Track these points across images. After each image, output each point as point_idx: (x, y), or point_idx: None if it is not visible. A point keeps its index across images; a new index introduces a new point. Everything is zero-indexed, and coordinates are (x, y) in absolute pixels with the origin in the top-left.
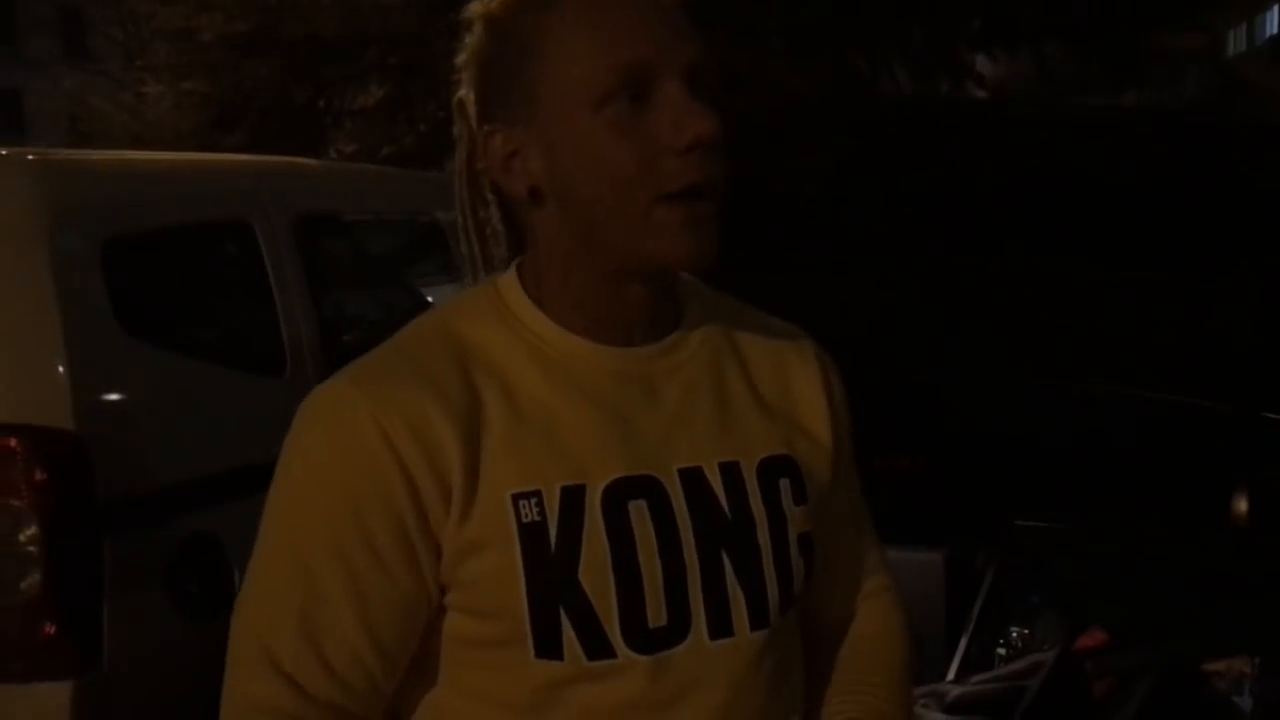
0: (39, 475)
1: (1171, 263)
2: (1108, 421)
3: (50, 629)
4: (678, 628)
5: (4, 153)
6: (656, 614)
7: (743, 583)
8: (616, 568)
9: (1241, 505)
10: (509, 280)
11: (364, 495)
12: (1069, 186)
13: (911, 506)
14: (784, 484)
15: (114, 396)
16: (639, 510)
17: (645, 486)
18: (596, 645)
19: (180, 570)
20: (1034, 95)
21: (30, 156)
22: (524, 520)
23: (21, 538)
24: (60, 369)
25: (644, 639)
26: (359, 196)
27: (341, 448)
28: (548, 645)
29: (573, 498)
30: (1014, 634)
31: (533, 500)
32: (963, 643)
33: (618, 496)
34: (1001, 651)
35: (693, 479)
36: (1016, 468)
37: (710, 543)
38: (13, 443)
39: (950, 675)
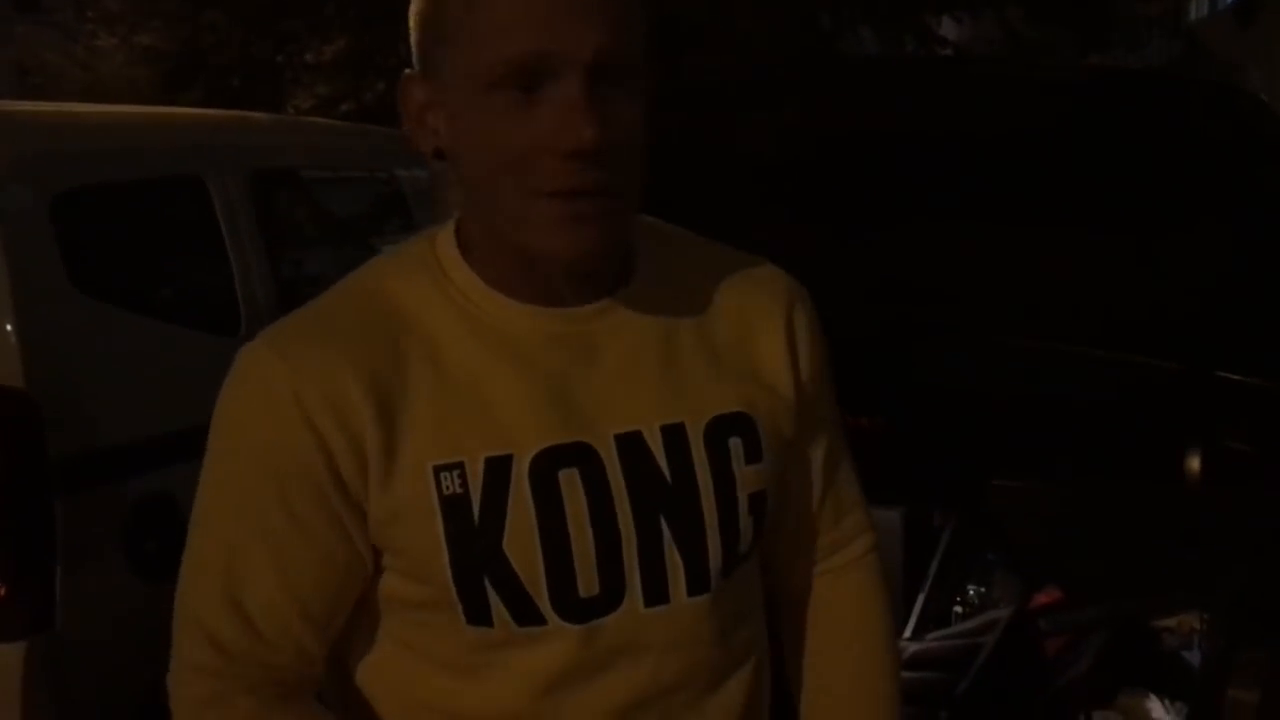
0: None
1: (1130, 221)
2: (1063, 380)
3: (1, 590)
4: (611, 596)
5: None
6: (588, 584)
7: (682, 550)
8: (544, 539)
9: (1194, 464)
10: (445, 237)
11: (282, 463)
12: (1024, 145)
13: (869, 466)
14: (734, 443)
15: (65, 354)
16: (570, 479)
17: (578, 454)
18: (525, 613)
19: (134, 530)
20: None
21: None
22: (445, 493)
23: None
24: (8, 326)
25: (574, 608)
26: (316, 152)
27: (259, 415)
28: (476, 613)
29: (498, 469)
30: (971, 592)
31: (454, 472)
32: (920, 600)
33: (547, 466)
34: (958, 609)
35: (630, 444)
36: (975, 426)
37: (648, 510)
38: None
39: (907, 633)
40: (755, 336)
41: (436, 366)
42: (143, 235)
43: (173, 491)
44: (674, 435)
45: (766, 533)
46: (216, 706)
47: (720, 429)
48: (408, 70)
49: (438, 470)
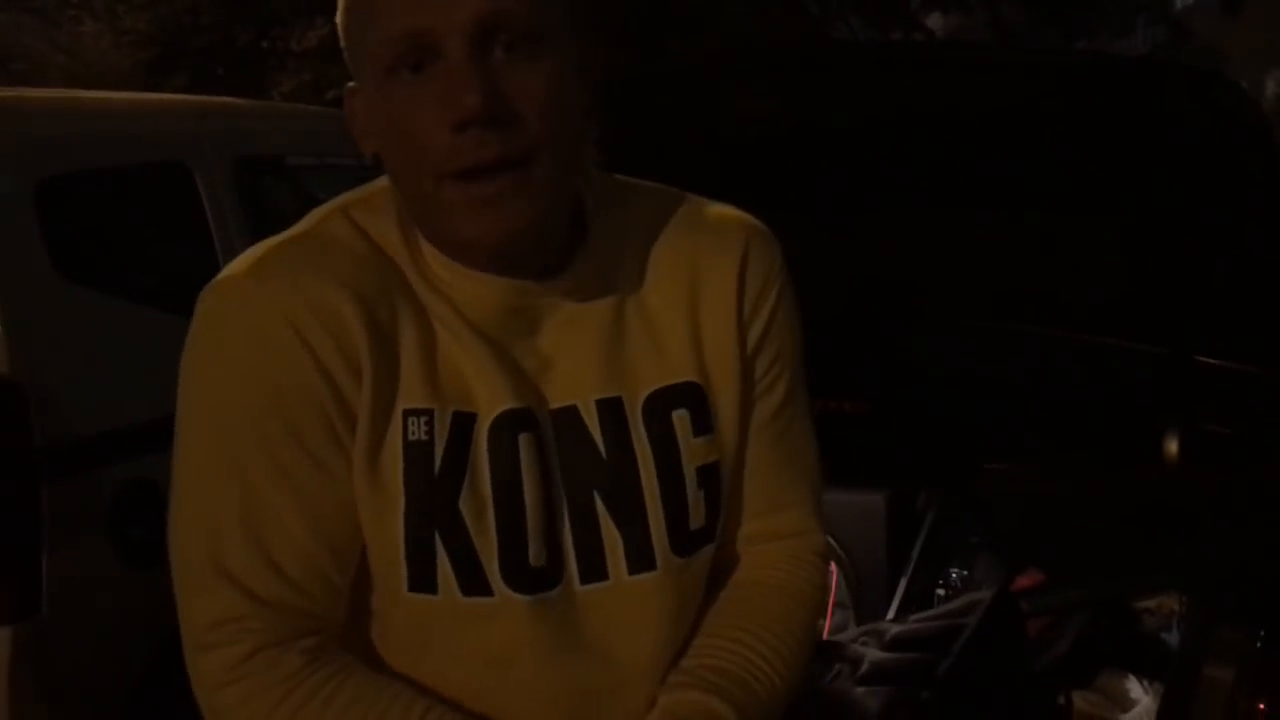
0: None
1: (1110, 206)
2: (1044, 364)
3: None
4: (553, 569)
5: None
6: (538, 553)
7: (620, 525)
8: (498, 502)
9: (1173, 446)
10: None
11: (283, 390)
12: (1006, 130)
13: (854, 449)
14: (679, 415)
15: (50, 341)
16: (529, 443)
17: (530, 421)
18: (472, 581)
19: (120, 516)
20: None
21: None
22: (410, 437)
23: None
24: None
25: (523, 578)
26: (302, 139)
27: (249, 345)
28: (422, 577)
29: (463, 424)
30: (953, 574)
31: (423, 419)
32: (903, 583)
33: (506, 428)
34: (941, 592)
35: (565, 419)
36: (956, 410)
37: (581, 486)
38: None
39: (890, 615)
40: (702, 286)
41: (415, 312)
42: (127, 222)
43: (157, 478)
44: (611, 410)
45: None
46: (264, 662)
47: (663, 402)
48: (350, 84)
49: (408, 414)
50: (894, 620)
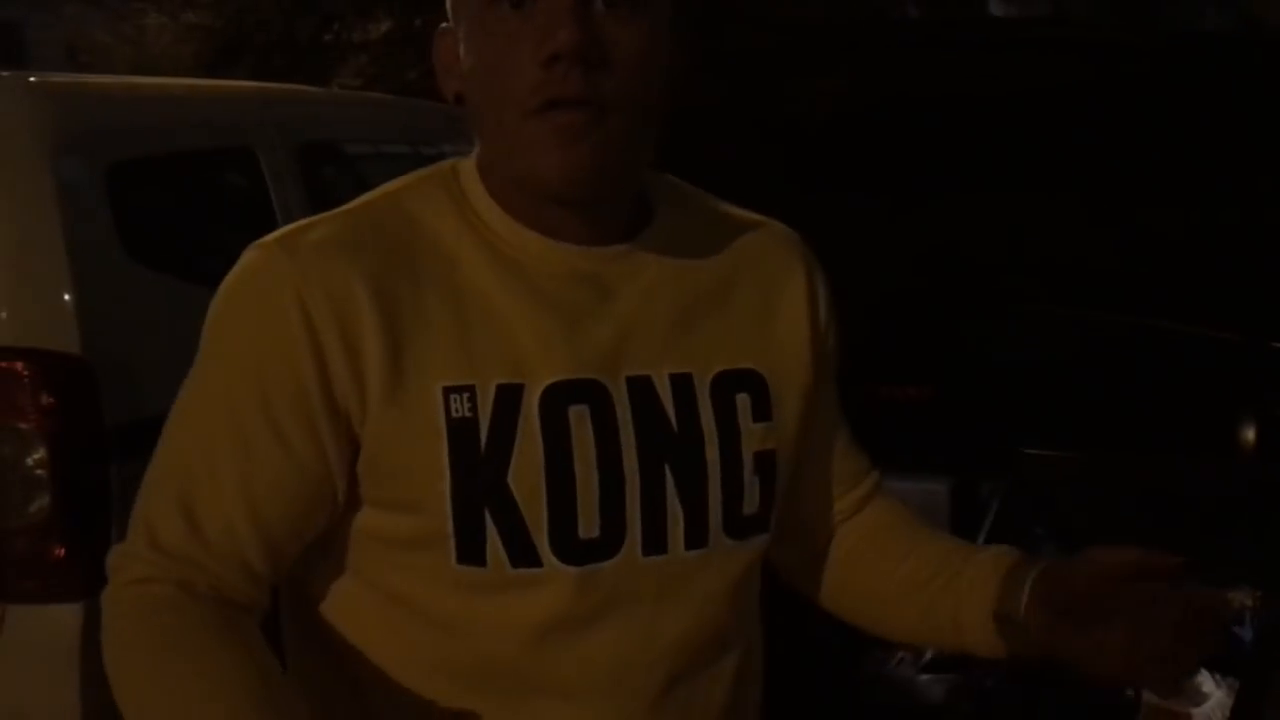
0: (46, 399)
1: (1184, 190)
2: (1115, 351)
3: (59, 551)
4: (610, 540)
5: (5, 75)
6: (589, 524)
7: (683, 499)
8: (550, 473)
9: (1249, 435)
10: (468, 166)
11: (269, 363)
12: (1081, 111)
13: (917, 436)
14: (741, 399)
15: (119, 322)
16: (580, 415)
17: (589, 391)
18: (522, 552)
19: None
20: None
21: (33, 80)
22: (454, 415)
23: (30, 461)
24: (66, 294)
25: (573, 550)
26: (365, 126)
27: (257, 312)
28: (470, 549)
29: (509, 397)
30: None
31: (465, 395)
32: None
33: (558, 399)
34: None
35: (640, 387)
36: (1023, 397)
37: (653, 455)
38: (19, 366)
39: None
40: (775, 293)
41: (454, 289)
42: (195, 206)
43: None
44: (682, 385)
45: (784, 500)
46: (139, 586)
47: (727, 384)
48: (443, 24)
49: (448, 391)
50: None
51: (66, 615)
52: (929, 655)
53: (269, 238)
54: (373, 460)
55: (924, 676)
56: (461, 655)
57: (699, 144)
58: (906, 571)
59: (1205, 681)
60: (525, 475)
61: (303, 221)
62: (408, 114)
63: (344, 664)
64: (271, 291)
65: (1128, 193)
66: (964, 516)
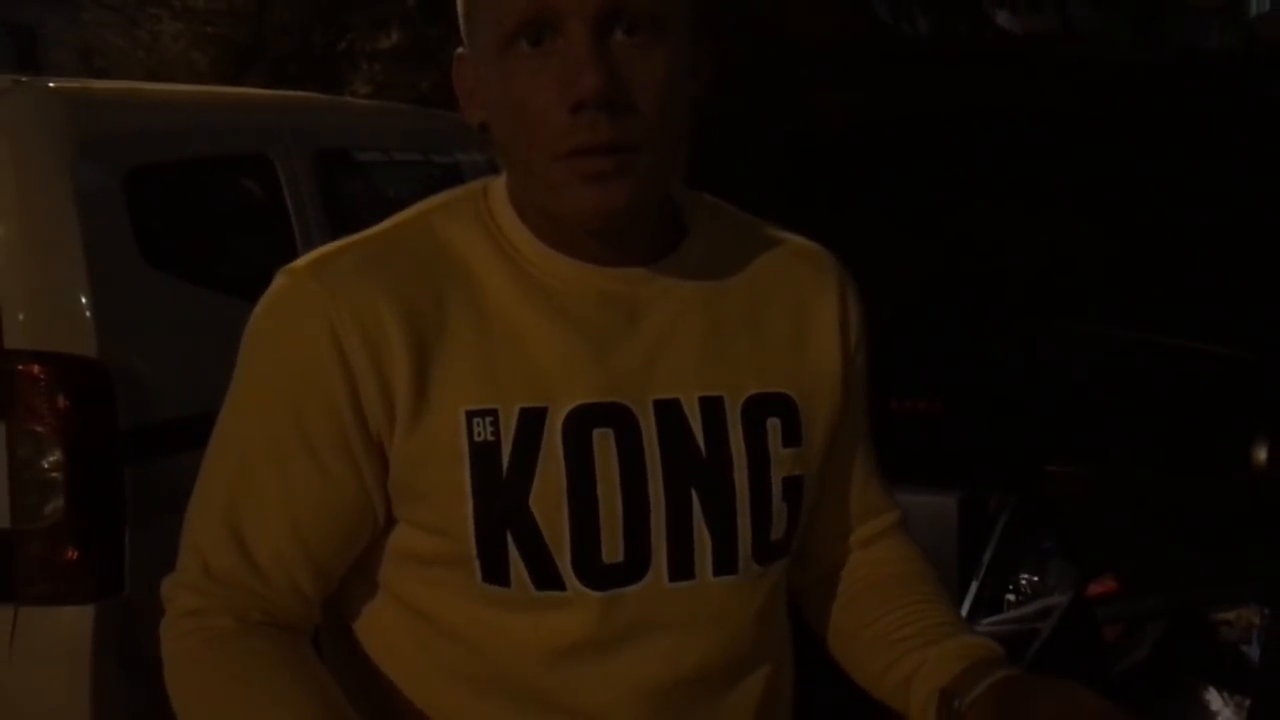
0: (62, 402)
1: (1199, 208)
2: (1126, 367)
3: (73, 553)
4: (635, 565)
5: (24, 80)
6: (613, 549)
7: (711, 525)
8: (572, 497)
9: (1261, 453)
10: (497, 187)
11: (305, 391)
12: (1097, 129)
13: (926, 449)
14: (772, 424)
15: (136, 326)
16: (604, 439)
17: (614, 415)
18: (544, 575)
19: None
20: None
21: (51, 85)
22: (476, 439)
23: (45, 463)
24: (83, 298)
25: (596, 575)
26: (380, 134)
27: (291, 340)
28: (495, 570)
29: (531, 420)
30: (1024, 580)
31: (488, 419)
32: (974, 587)
33: (582, 423)
34: (1011, 597)
35: (668, 411)
36: (1033, 412)
37: (679, 480)
38: (36, 369)
39: None
40: (808, 314)
41: (479, 311)
42: (211, 212)
43: None
44: (712, 408)
45: (804, 523)
46: (198, 618)
47: (759, 408)
48: (460, 49)
49: (471, 415)
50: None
51: (79, 617)
52: None
53: (299, 263)
54: (400, 481)
55: None
56: (486, 671)
57: (712, 158)
58: (888, 625)
59: (1213, 699)
60: (547, 499)
61: (331, 246)
62: (421, 122)
63: (374, 675)
64: (303, 318)
65: (1140, 208)
66: (972, 531)
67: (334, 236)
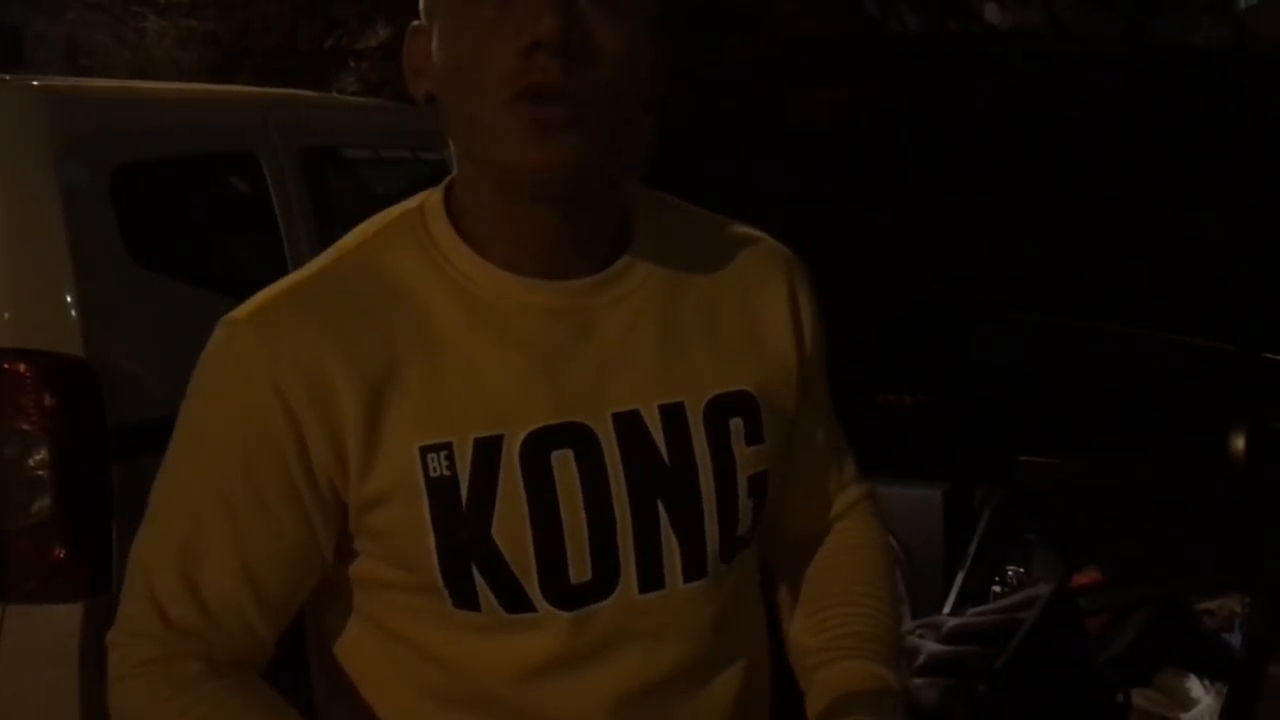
0: (49, 400)
1: (1178, 201)
2: (1107, 359)
3: (60, 552)
4: (604, 582)
5: (9, 79)
6: (580, 569)
7: (679, 533)
8: (535, 523)
9: (1239, 444)
10: (434, 203)
11: (252, 444)
12: (1073, 123)
13: (911, 443)
14: (735, 424)
15: (122, 324)
16: (564, 460)
17: (572, 434)
18: (513, 600)
19: None
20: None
21: (36, 84)
22: (432, 475)
23: (31, 462)
24: (69, 296)
25: (566, 595)
26: (366, 131)
27: (235, 395)
28: (463, 598)
29: (487, 450)
30: (1010, 571)
31: (442, 454)
32: (959, 578)
33: (539, 447)
34: (997, 588)
35: (628, 423)
36: (1017, 405)
37: (644, 492)
38: (22, 368)
39: (947, 609)
40: (758, 308)
41: (426, 343)
42: (197, 209)
43: None
44: (673, 415)
45: (767, 513)
46: (164, 665)
47: (721, 408)
48: (415, 22)
49: (425, 451)
50: (950, 614)
51: (67, 615)
52: (922, 659)
53: (239, 314)
54: (360, 522)
55: (918, 680)
56: (462, 690)
57: (697, 156)
58: (813, 624)
59: (1194, 686)
60: (509, 528)
61: (270, 290)
62: (408, 119)
63: (357, 695)
64: (246, 376)
65: (1123, 203)
66: (957, 523)
67: (320, 234)
